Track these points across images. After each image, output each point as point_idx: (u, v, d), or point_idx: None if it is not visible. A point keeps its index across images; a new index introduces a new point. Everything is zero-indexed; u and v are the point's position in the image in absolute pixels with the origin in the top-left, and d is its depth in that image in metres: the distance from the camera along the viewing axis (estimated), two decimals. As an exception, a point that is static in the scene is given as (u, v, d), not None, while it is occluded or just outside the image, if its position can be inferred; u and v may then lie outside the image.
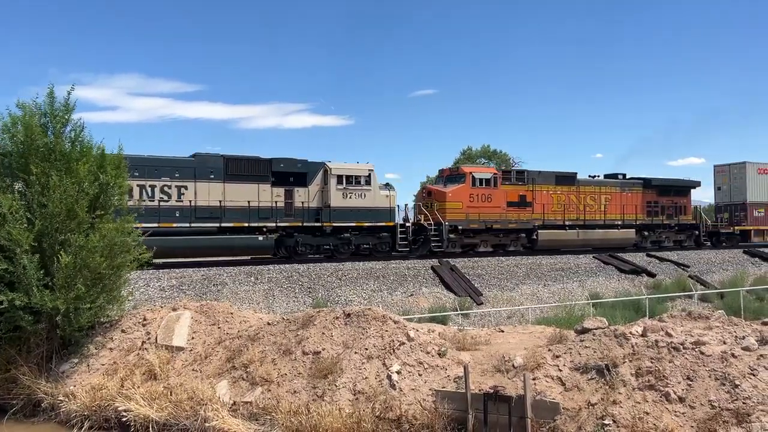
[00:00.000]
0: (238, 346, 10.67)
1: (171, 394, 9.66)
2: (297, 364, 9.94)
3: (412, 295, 19.78)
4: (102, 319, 11.95)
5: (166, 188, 22.72)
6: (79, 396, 10.14)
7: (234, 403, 9.50)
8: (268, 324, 11.15)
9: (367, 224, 25.11)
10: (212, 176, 23.83)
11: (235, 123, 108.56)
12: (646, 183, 30.62)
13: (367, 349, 9.79)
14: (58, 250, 10.80)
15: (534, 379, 8.54)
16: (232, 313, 11.95)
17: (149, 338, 11.30)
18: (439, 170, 29.36)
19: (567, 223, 28.05)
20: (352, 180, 25.16)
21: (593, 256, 26.14)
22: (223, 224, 23.16)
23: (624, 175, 31.31)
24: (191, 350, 10.94)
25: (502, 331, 11.80)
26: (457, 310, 18.07)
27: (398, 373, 9.32)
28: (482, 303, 19.68)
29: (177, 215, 22.70)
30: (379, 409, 8.79)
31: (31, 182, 11.13)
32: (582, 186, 29.16)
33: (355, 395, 9.14)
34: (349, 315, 10.59)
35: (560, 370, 8.69)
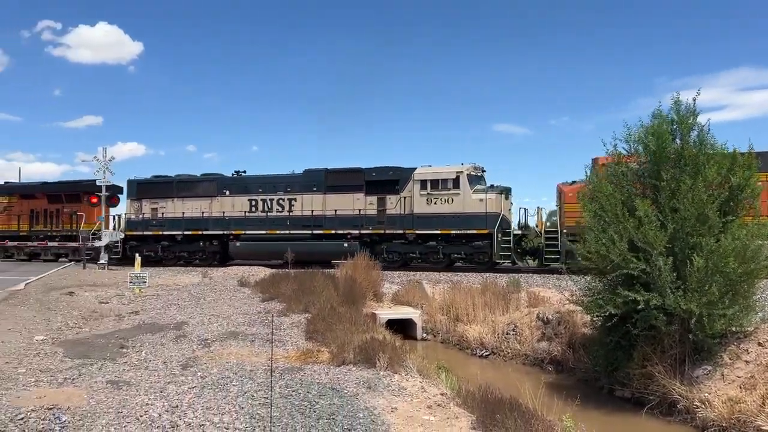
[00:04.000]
0: None
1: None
2: None
3: None
4: (734, 329, 11.32)
5: (281, 201, 26.55)
6: (714, 405, 9.81)
7: None
8: None
9: (454, 232, 22.85)
10: (315, 189, 25.98)
11: None
12: None
13: None
14: (689, 254, 10.84)
15: None
16: None
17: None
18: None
19: None
20: (437, 184, 23.38)
21: None
22: (314, 231, 25.44)
23: None
24: None
25: None
26: None
27: None
28: None
29: (288, 224, 26.11)
30: None
31: (662, 188, 11.58)
32: None
33: None
34: None
35: None
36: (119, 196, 30.24)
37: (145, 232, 28.75)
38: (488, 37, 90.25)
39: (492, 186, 23.68)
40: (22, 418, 6.65)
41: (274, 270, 22.84)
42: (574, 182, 21.61)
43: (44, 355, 10.07)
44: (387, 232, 24.17)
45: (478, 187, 23.35)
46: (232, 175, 28.51)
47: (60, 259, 30.61)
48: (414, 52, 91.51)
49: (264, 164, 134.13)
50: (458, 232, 22.89)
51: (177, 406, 7.27)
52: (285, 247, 24.20)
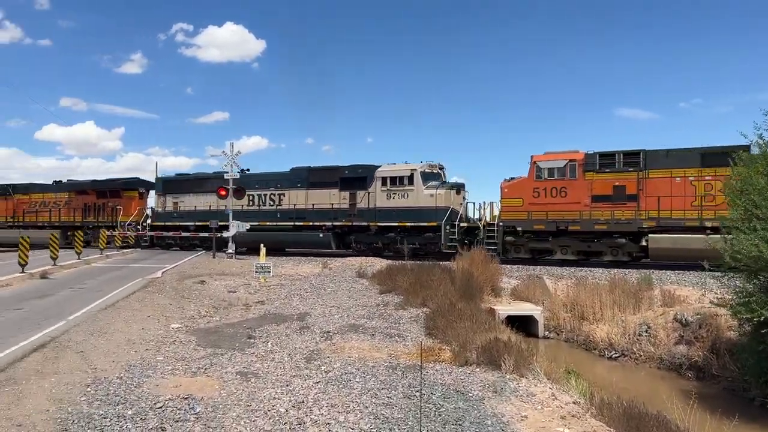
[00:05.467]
0: None
1: None
2: None
3: None
4: None
5: (272, 196, 29.57)
6: None
7: None
8: None
9: (409, 224, 24.91)
10: (299, 185, 28.61)
11: None
12: None
13: None
14: None
15: None
16: None
17: None
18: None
19: (710, 224, 18.23)
20: (396, 181, 25.45)
21: None
22: (296, 223, 28.18)
23: None
24: None
25: None
26: None
27: None
28: None
29: (278, 216, 29.02)
30: None
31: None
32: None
33: None
34: None
35: None
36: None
37: (167, 223, 33.40)
38: (607, 18, 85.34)
39: (444, 182, 25.69)
40: (161, 407, 6.95)
41: (390, 261, 22.92)
42: (512, 179, 23.21)
43: (179, 344, 10.60)
44: (354, 224, 26.72)
45: (432, 183, 25.26)
46: (238, 173, 31.31)
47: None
48: (533, 34, 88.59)
49: (377, 155, 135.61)
50: (412, 224, 24.98)
51: (303, 402, 7.29)
52: (273, 237, 27.54)
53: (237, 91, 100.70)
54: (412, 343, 10.87)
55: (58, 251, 23.25)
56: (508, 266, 21.89)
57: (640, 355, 14.40)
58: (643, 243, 20.65)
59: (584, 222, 21.22)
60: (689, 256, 19.51)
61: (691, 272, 18.56)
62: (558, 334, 17.03)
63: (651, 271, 19.19)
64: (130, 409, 6.89)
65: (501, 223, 22.99)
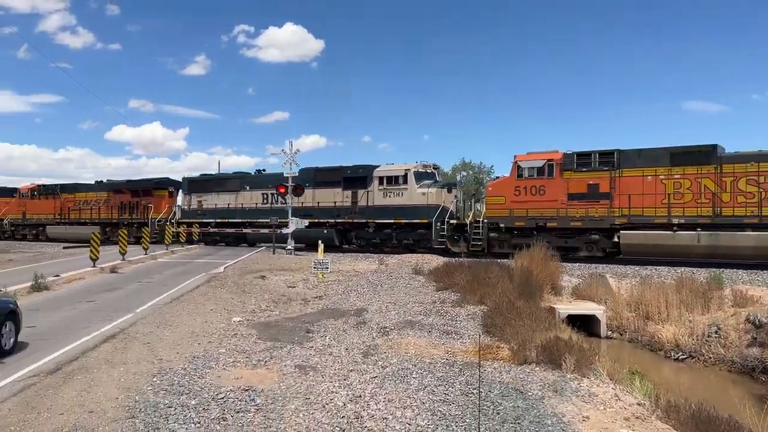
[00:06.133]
0: None
1: None
2: None
3: None
4: None
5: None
6: None
7: None
8: None
9: (403, 221, 26.32)
10: (307, 184, 29.83)
11: None
12: None
13: None
14: None
15: None
16: None
17: None
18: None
19: (677, 221, 19.49)
20: (392, 180, 26.83)
21: None
22: (303, 220, 28.72)
23: None
24: None
25: None
26: None
27: None
28: None
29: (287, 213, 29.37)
30: None
31: None
32: (727, 164, 19.02)
33: None
34: None
35: None
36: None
37: (191, 220, 35.48)
38: (674, 8, 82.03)
39: (436, 181, 26.88)
40: (222, 398, 7.13)
41: (446, 258, 22.79)
42: (497, 178, 24.47)
43: (240, 337, 10.86)
44: (355, 221, 28.26)
45: (425, 182, 26.43)
46: (254, 173, 34.18)
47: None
48: (596, 29, 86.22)
49: (432, 153, 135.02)
50: (406, 221, 26.33)
51: (360, 396, 7.33)
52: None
53: (296, 90, 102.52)
54: (470, 341, 10.76)
55: (126, 247, 24.25)
56: (569, 264, 21.40)
57: (709, 357, 13.79)
58: (616, 239, 21.29)
59: (561, 219, 22.27)
60: (660, 252, 20.61)
61: (765, 272, 17.68)
62: (621, 334, 16.50)
63: (721, 270, 18.39)
64: (194, 399, 7.10)
65: (486, 220, 24.17)
